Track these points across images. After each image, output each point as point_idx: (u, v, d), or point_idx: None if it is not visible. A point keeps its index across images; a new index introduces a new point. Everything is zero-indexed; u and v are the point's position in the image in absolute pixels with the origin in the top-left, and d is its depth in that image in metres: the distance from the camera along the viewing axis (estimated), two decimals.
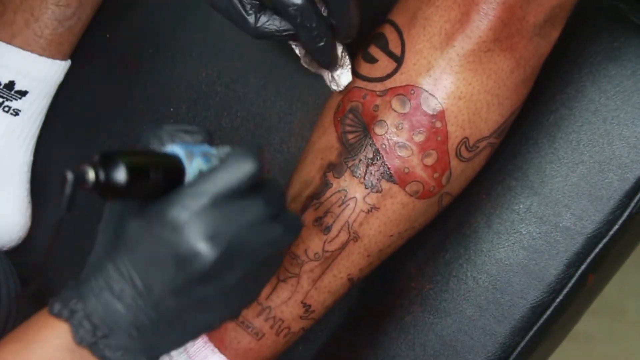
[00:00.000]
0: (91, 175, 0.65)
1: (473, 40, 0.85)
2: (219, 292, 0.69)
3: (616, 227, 0.91)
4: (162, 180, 0.67)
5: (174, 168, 0.68)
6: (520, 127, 0.93)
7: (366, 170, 0.88)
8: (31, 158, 1.06)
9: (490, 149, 0.90)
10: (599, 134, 0.91)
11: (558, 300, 0.91)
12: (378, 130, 0.87)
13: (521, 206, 0.92)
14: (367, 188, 0.88)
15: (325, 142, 0.91)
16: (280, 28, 0.86)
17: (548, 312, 0.92)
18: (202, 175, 0.69)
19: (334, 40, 0.86)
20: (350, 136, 0.89)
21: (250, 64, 1.02)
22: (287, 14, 0.84)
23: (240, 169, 0.68)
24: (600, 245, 0.91)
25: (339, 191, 0.89)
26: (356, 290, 0.99)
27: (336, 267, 0.90)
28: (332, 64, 0.87)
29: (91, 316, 0.68)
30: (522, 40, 0.86)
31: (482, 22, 0.85)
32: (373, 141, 0.87)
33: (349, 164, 0.88)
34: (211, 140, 0.73)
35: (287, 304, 0.90)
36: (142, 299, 0.68)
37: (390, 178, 0.87)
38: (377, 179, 0.88)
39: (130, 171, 0.65)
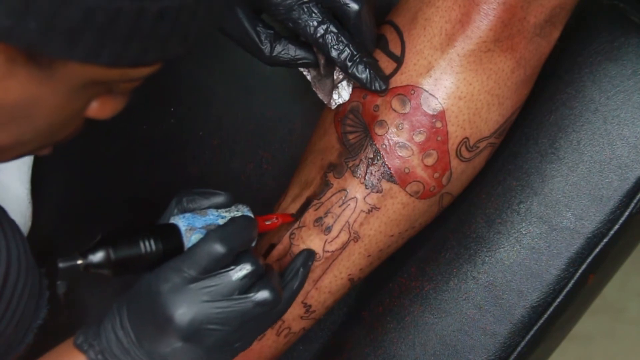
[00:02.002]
0: (79, 262, 0.76)
1: (473, 41, 0.85)
2: (202, 350, 0.78)
3: (616, 227, 0.91)
4: (162, 251, 0.78)
5: (173, 241, 0.79)
6: (521, 127, 0.93)
7: (366, 170, 0.88)
8: (32, 158, 1.06)
9: (491, 149, 0.90)
10: (600, 134, 0.91)
11: (558, 300, 0.91)
12: (378, 130, 0.87)
13: (521, 206, 0.92)
14: (367, 188, 0.88)
15: (326, 142, 0.91)
16: (295, 56, 0.88)
17: (548, 312, 0.92)
18: (186, 252, 0.78)
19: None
20: (350, 136, 0.89)
21: (251, 64, 1.02)
22: (317, 44, 0.86)
23: (215, 253, 0.77)
24: (601, 245, 0.91)
25: (340, 191, 0.89)
26: (356, 290, 0.99)
27: (337, 267, 0.90)
28: (373, 79, 0.87)
29: (104, 352, 0.78)
30: (522, 40, 0.86)
31: (483, 22, 0.85)
32: (373, 141, 0.87)
33: (350, 164, 0.88)
34: (231, 202, 0.83)
35: None
36: (136, 348, 0.78)
37: (390, 178, 0.87)
38: (378, 179, 0.88)
39: (116, 258, 0.77)
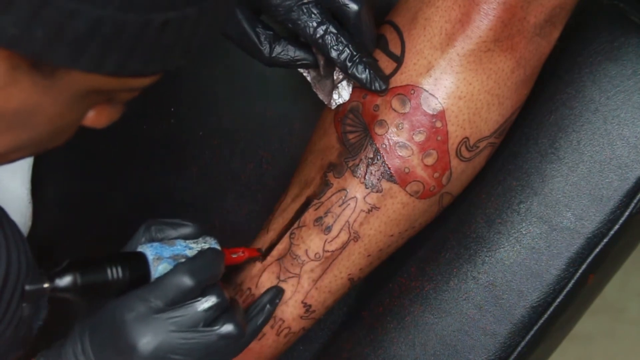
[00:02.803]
0: (46, 285, 0.77)
1: (473, 41, 0.85)
2: None
3: (616, 227, 0.91)
4: (128, 279, 0.79)
5: (140, 269, 0.80)
6: (521, 127, 0.93)
7: (366, 170, 0.88)
8: (32, 158, 1.06)
9: (491, 148, 0.90)
10: (600, 134, 0.91)
11: (558, 300, 0.91)
12: (378, 130, 0.87)
13: (521, 206, 0.92)
14: (367, 188, 0.88)
15: (326, 142, 0.91)
16: (295, 57, 0.88)
17: (548, 312, 0.92)
18: (154, 282, 0.79)
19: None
20: (350, 136, 0.89)
21: (251, 64, 1.02)
22: (317, 44, 0.85)
23: (183, 285, 0.78)
24: (601, 245, 0.91)
25: (340, 191, 0.89)
26: (356, 290, 0.99)
27: (336, 267, 0.90)
28: (373, 79, 0.87)
29: None
30: (522, 40, 0.86)
31: (483, 22, 0.85)
32: (373, 141, 0.87)
33: (350, 164, 0.88)
34: (199, 233, 0.83)
35: (287, 304, 0.90)
36: None
37: (390, 178, 0.87)
38: (378, 179, 0.88)
39: (82, 283, 0.77)
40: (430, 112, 0.86)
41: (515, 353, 0.92)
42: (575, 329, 1.04)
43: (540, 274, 0.91)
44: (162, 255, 0.80)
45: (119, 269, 0.78)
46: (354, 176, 0.88)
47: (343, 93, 0.89)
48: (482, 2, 0.85)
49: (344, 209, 0.88)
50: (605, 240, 0.91)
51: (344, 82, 0.89)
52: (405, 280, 0.95)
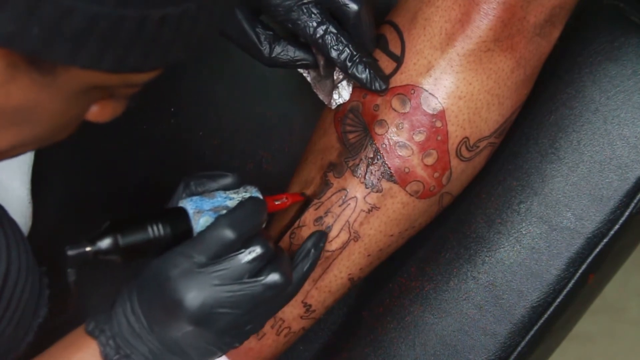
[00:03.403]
0: (88, 249, 0.76)
1: (473, 40, 0.85)
2: (213, 334, 0.77)
3: (616, 227, 0.91)
4: (170, 235, 0.78)
5: (182, 224, 0.79)
6: (521, 127, 0.93)
7: (366, 169, 0.88)
8: (32, 158, 1.06)
9: (491, 148, 0.90)
10: (600, 134, 0.91)
11: (558, 300, 0.91)
12: (378, 129, 0.87)
13: (522, 206, 0.92)
14: (367, 188, 0.88)
15: (326, 142, 0.91)
16: (295, 57, 0.88)
17: (548, 312, 0.92)
18: (195, 238, 0.78)
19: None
20: (350, 136, 0.89)
21: (251, 64, 1.02)
22: (317, 44, 0.85)
23: (224, 238, 0.77)
24: (601, 245, 0.91)
25: (340, 191, 0.89)
26: (356, 290, 0.99)
27: (337, 267, 0.90)
28: (373, 79, 0.87)
29: (116, 337, 0.78)
30: (522, 40, 0.86)
31: (483, 22, 0.85)
32: (373, 141, 0.87)
33: (350, 164, 0.88)
34: (239, 183, 0.82)
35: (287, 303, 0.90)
36: (148, 333, 0.78)
37: (390, 178, 0.87)
38: (378, 179, 0.88)
39: (124, 244, 0.77)
40: (430, 112, 0.86)
41: (516, 353, 0.92)
42: (575, 329, 1.04)
43: (540, 274, 0.91)
44: (202, 208, 0.79)
45: (160, 226, 0.77)
46: (354, 176, 0.88)
47: (343, 93, 0.89)
48: (482, 2, 0.85)
49: (344, 209, 0.88)
50: (605, 240, 0.91)
51: (344, 82, 0.89)
52: (405, 280, 0.95)
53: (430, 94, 0.86)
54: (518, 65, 0.87)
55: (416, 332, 0.93)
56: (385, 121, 0.87)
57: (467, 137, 0.87)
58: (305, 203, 0.90)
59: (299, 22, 0.86)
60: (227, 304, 0.77)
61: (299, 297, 0.90)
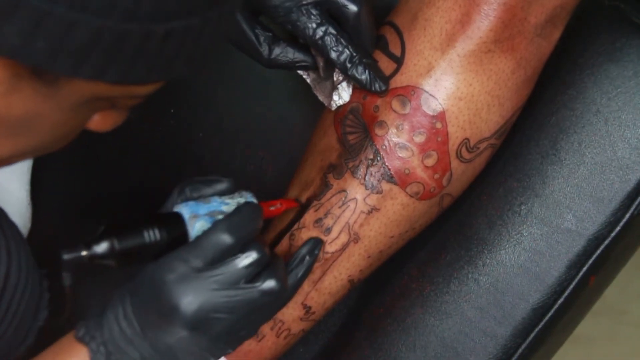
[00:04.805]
0: (84, 253, 0.76)
1: (474, 41, 0.85)
2: (207, 339, 0.77)
3: (618, 228, 0.91)
4: (166, 240, 0.78)
5: (177, 229, 0.79)
6: (522, 128, 0.93)
7: (366, 171, 0.88)
8: (31, 160, 1.06)
9: (491, 150, 0.90)
10: (601, 136, 0.91)
11: (559, 302, 0.91)
12: (378, 131, 0.87)
13: (522, 208, 0.91)
14: (367, 189, 0.88)
15: (326, 143, 0.91)
16: (294, 59, 0.88)
17: (549, 314, 0.91)
18: (193, 242, 0.78)
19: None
20: (350, 137, 0.89)
21: (251, 65, 1.02)
22: (316, 45, 0.85)
23: (222, 243, 0.77)
24: (602, 247, 0.91)
25: (340, 192, 0.88)
26: (356, 292, 0.99)
27: (336, 269, 0.90)
28: (373, 80, 0.87)
29: (107, 343, 0.78)
30: (523, 41, 0.86)
31: (483, 23, 0.85)
32: (373, 142, 0.87)
33: (349, 165, 0.88)
34: (234, 188, 0.82)
35: (287, 305, 0.90)
36: (140, 339, 0.77)
37: (390, 179, 0.87)
38: (378, 180, 0.87)
39: (120, 249, 0.76)
40: (431, 113, 0.86)
41: (516, 355, 0.92)
42: (576, 331, 1.04)
43: (541, 275, 0.91)
44: (198, 213, 0.79)
45: (156, 231, 0.77)
46: (354, 177, 0.88)
47: (343, 94, 0.89)
48: (483, 3, 0.84)
49: (343, 210, 0.88)
50: (606, 242, 0.91)
51: (344, 83, 0.89)
52: (405, 282, 0.95)
53: (430, 95, 0.86)
54: (519, 66, 0.87)
55: (417, 333, 0.93)
56: (385, 122, 0.87)
57: (467, 139, 0.87)
58: (306, 204, 0.90)
59: (299, 23, 0.85)
60: (223, 309, 0.77)
61: (298, 299, 0.90)
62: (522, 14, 0.85)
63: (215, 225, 0.78)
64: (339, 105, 0.90)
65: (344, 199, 0.88)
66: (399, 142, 0.87)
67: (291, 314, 0.91)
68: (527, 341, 0.92)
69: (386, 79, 0.87)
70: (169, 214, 0.80)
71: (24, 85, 0.62)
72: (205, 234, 0.78)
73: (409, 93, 0.87)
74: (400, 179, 0.87)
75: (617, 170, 0.90)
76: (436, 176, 0.88)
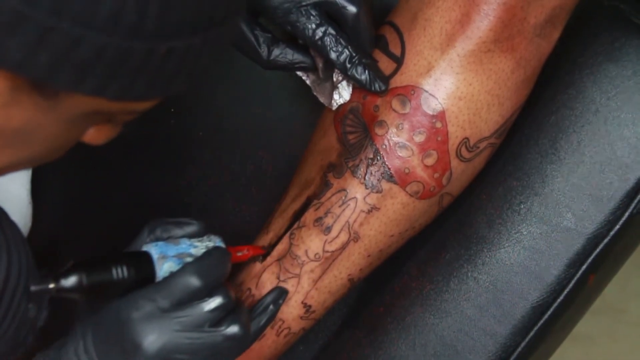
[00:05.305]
0: (51, 286, 0.77)
1: (473, 41, 0.85)
2: None
3: (617, 227, 0.91)
4: (134, 278, 0.78)
5: (145, 268, 0.80)
6: (521, 128, 0.93)
7: (366, 170, 0.88)
8: None
9: (491, 149, 0.90)
10: (600, 135, 0.91)
11: (559, 300, 0.91)
12: (378, 130, 0.87)
13: (522, 206, 0.92)
14: (367, 188, 0.88)
15: (326, 142, 0.91)
16: (293, 60, 0.88)
17: (549, 313, 0.91)
18: (161, 282, 0.79)
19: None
20: (350, 136, 0.89)
21: (252, 65, 1.02)
22: (316, 46, 0.86)
23: (190, 286, 0.78)
24: (601, 246, 0.91)
25: (340, 191, 0.88)
26: (356, 291, 0.99)
27: (336, 268, 0.90)
28: (373, 80, 0.87)
29: None
30: (522, 40, 0.86)
31: (483, 22, 0.85)
32: (373, 141, 0.87)
33: (349, 164, 0.88)
34: (203, 231, 0.83)
35: (287, 304, 0.90)
36: None
37: (390, 178, 0.87)
38: (378, 179, 0.87)
39: (88, 283, 0.77)
40: (431, 113, 0.86)
41: (516, 354, 0.92)
42: (575, 329, 1.04)
43: (540, 274, 0.91)
44: (166, 254, 0.80)
45: (124, 269, 0.78)
46: (354, 176, 0.88)
47: (343, 93, 0.89)
48: (482, 3, 0.84)
49: (343, 210, 0.88)
50: (605, 240, 0.91)
51: (344, 82, 0.89)
52: (405, 281, 0.95)
53: (430, 94, 0.86)
54: (518, 66, 0.87)
55: (416, 332, 0.93)
56: (385, 122, 0.87)
57: (467, 138, 0.87)
58: (302, 209, 0.90)
59: (298, 24, 0.86)
60: (185, 350, 0.78)
61: (299, 298, 0.90)
62: (521, 13, 0.85)
63: (185, 268, 0.79)
64: (339, 104, 0.90)
65: (344, 198, 0.88)
66: (398, 141, 0.87)
67: (291, 313, 0.91)
68: (527, 340, 0.92)
69: (386, 79, 0.87)
70: (137, 252, 0.81)
71: (24, 98, 0.62)
72: (174, 275, 0.79)
73: (409, 93, 0.87)
74: (400, 178, 0.87)
75: (616, 169, 0.90)
76: (436, 175, 0.88)
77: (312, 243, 0.89)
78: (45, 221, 1.09)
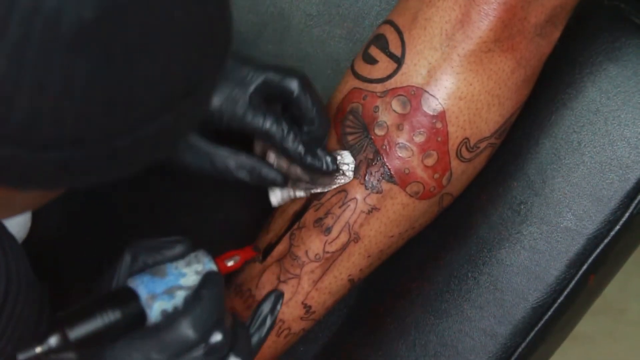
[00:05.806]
0: (38, 350, 0.73)
1: (474, 41, 0.85)
2: None
3: (617, 227, 0.91)
4: (122, 322, 0.74)
5: (134, 308, 0.76)
6: (521, 128, 0.93)
7: (366, 171, 0.88)
8: None
9: (491, 149, 0.90)
10: (600, 135, 0.91)
11: (559, 300, 0.91)
12: (378, 131, 0.87)
13: (522, 207, 0.92)
14: (367, 189, 0.88)
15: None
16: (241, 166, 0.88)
17: (549, 313, 0.91)
18: (154, 334, 0.75)
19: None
20: (350, 137, 0.89)
21: None
22: (269, 138, 0.84)
23: (186, 339, 0.75)
24: (601, 246, 0.91)
25: (340, 192, 0.88)
26: (356, 291, 0.99)
27: (337, 268, 0.90)
28: (322, 168, 0.87)
29: None
30: (523, 40, 0.86)
31: (483, 22, 0.85)
32: (373, 142, 0.87)
33: None
34: (189, 249, 0.79)
35: (287, 304, 0.90)
36: None
37: (390, 179, 0.87)
38: (378, 180, 0.87)
39: (75, 338, 0.73)
40: (431, 113, 0.86)
41: (516, 354, 0.92)
42: (576, 329, 1.04)
43: (540, 274, 0.91)
44: (155, 292, 0.76)
45: (111, 313, 0.74)
46: (354, 177, 0.88)
47: (276, 194, 0.89)
48: (483, 3, 0.84)
49: (344, 210, 0.88)
50: (606, 240, 0.91)
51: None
52: (405, 281, 0.95)
53: (430, 94, 0.86)
54: (518, 66, 0.87)
55: (416, 332, 0.93)
56: (385, 122, 0.87)
57: (467, 138, 0.87)
58: (302, 210, 0.90)
59: (251, 124, 0.84)
60: None
61: (299, 299, 0.90)
62: (522, 13, 0.85)
63: (179, 320, 0.76)
64: (274, 205, 0.90)
65: (344, 198, 0.88)
66: (398, 142, 0.87)
67: (291, 313, 0.91)
68: (527, 340, 0.92)
69: (329, 178, 0.87)
70: (123, 290, 0.77)
71: None
72: (168, 328, 0.76)
73: (409, 93, 0.87)
74: (400, 179, 0.87)
75: (616, 169, 0.90)
76: (436, 176, 0.88)
77: (312, 244, 0.89)
78: (45, 223, 1.09)
